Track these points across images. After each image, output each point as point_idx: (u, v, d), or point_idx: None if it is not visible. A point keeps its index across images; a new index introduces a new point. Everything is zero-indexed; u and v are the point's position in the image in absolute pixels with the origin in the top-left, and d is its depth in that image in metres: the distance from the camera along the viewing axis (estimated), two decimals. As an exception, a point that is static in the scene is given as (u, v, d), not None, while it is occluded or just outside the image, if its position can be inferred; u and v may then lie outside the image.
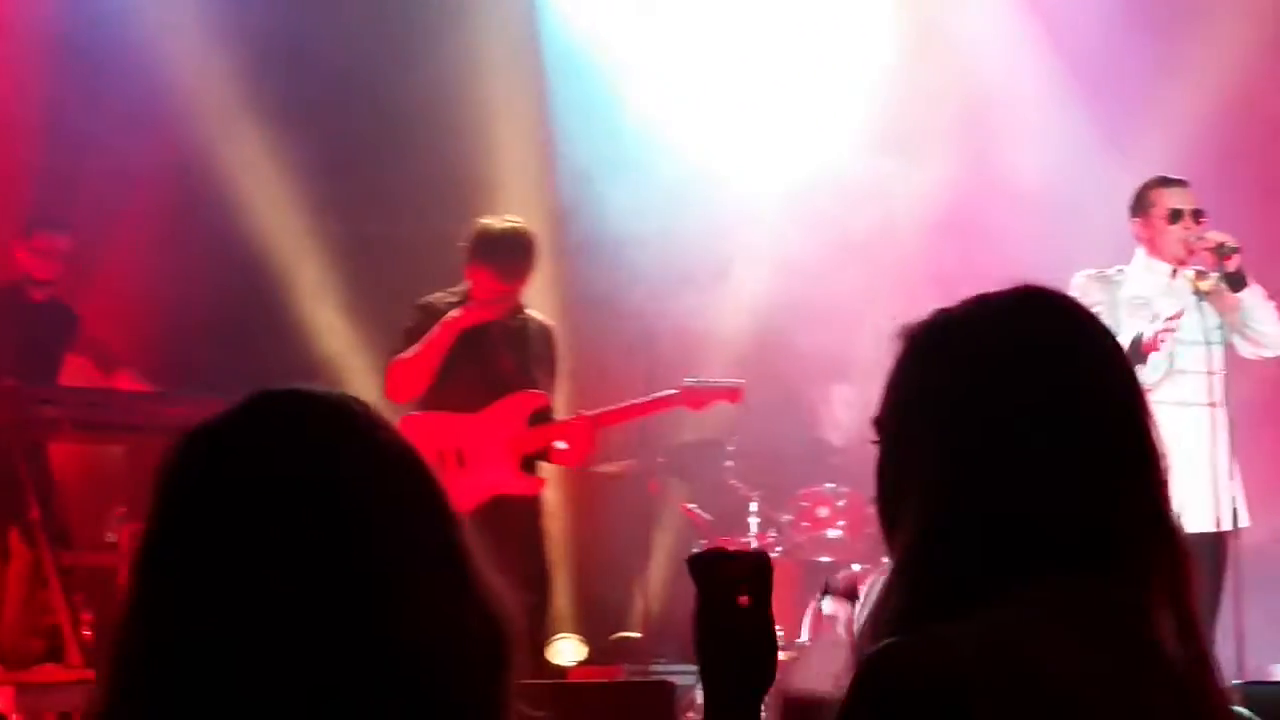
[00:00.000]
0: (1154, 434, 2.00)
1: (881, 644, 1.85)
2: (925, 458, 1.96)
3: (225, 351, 9.47)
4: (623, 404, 7.99)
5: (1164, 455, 2.00)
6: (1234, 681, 6.25)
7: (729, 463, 9.66)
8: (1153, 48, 10.16)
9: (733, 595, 2.14)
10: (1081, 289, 7.10)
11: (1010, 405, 1.93)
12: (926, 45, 10.56)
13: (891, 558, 1.97)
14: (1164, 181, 7.24)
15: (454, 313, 7.45)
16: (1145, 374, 6.95)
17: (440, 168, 10.40)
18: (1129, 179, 7.46)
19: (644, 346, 9.54)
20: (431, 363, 7.46)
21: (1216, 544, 6.94)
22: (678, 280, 10.04)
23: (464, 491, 7.49)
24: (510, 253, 7.50)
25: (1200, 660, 1.96)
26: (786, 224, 10.04)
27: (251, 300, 10.32)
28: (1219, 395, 7.04)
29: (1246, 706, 5.38)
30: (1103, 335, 2.07)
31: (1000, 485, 1.90)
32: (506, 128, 10.66)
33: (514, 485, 7.60)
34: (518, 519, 7.52)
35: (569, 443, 7.68)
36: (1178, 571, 1.96)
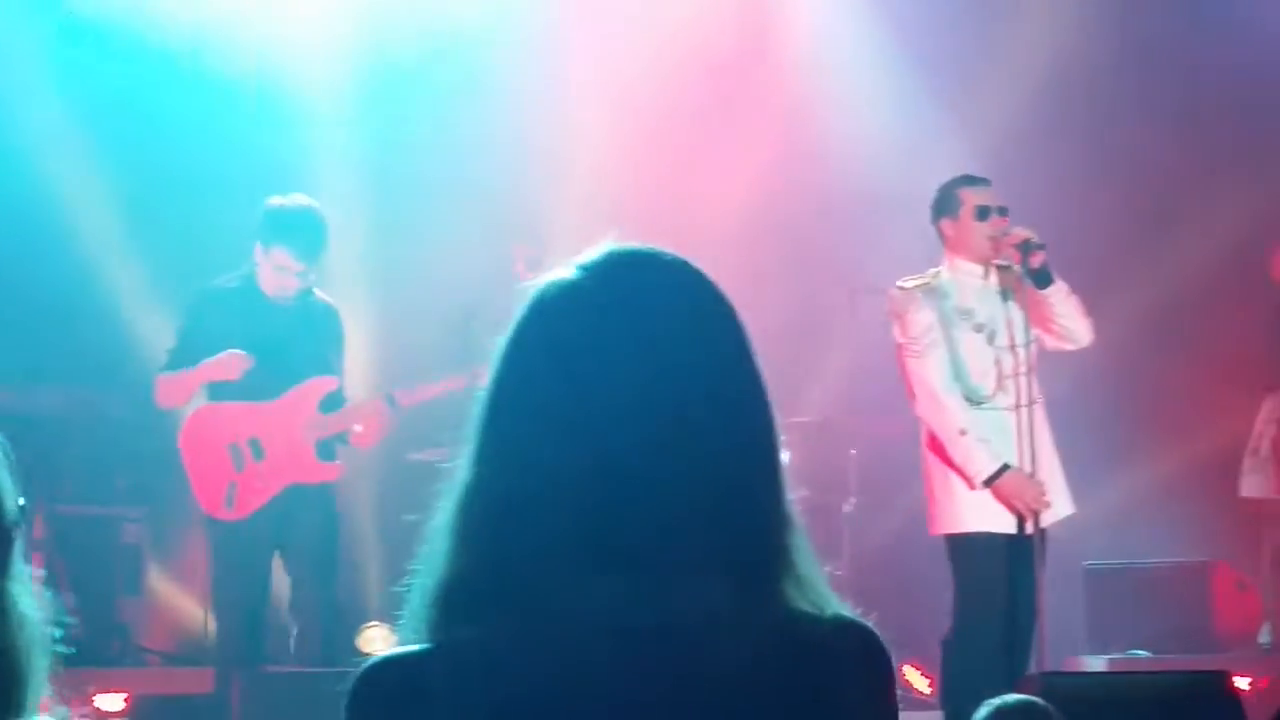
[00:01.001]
0: (749, 425, 1.81)
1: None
2: (481, 431, 1.81)
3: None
4: (420, 384, 7.91)
5: (764, 447, 1.81)
6: (1034, 672, 6.39)
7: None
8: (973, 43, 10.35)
9: None
10: (909, 300, 7.11)
11: (569, 387, 1.76)
12: (748, 46, 10.65)
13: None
14: (969, 180, 7.27)
15: (231, 361, 7.33)
16: (978, 387, 7.02)
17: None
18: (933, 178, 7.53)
19: (459, 326, 9.51)
20: (194, 387, 7.42)
21: (1041, 538, 7.06)
22: (490, 260, 10.02)
23: (264, 482, 7.42)
24: (309, 232, 7.41)
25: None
26: (596, 219, 10.05)
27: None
28: (1037, 392, 7.13)
29: (1046, 696, 5.50)
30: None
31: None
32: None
33: (311, 473, 7.54)
34: (313, 506, 7.49)
35: (364, 425, 7.64)
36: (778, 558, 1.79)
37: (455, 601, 1.75)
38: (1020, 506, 6.94)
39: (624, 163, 10.30)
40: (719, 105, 10.71)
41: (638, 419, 1.74)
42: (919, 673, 9.33)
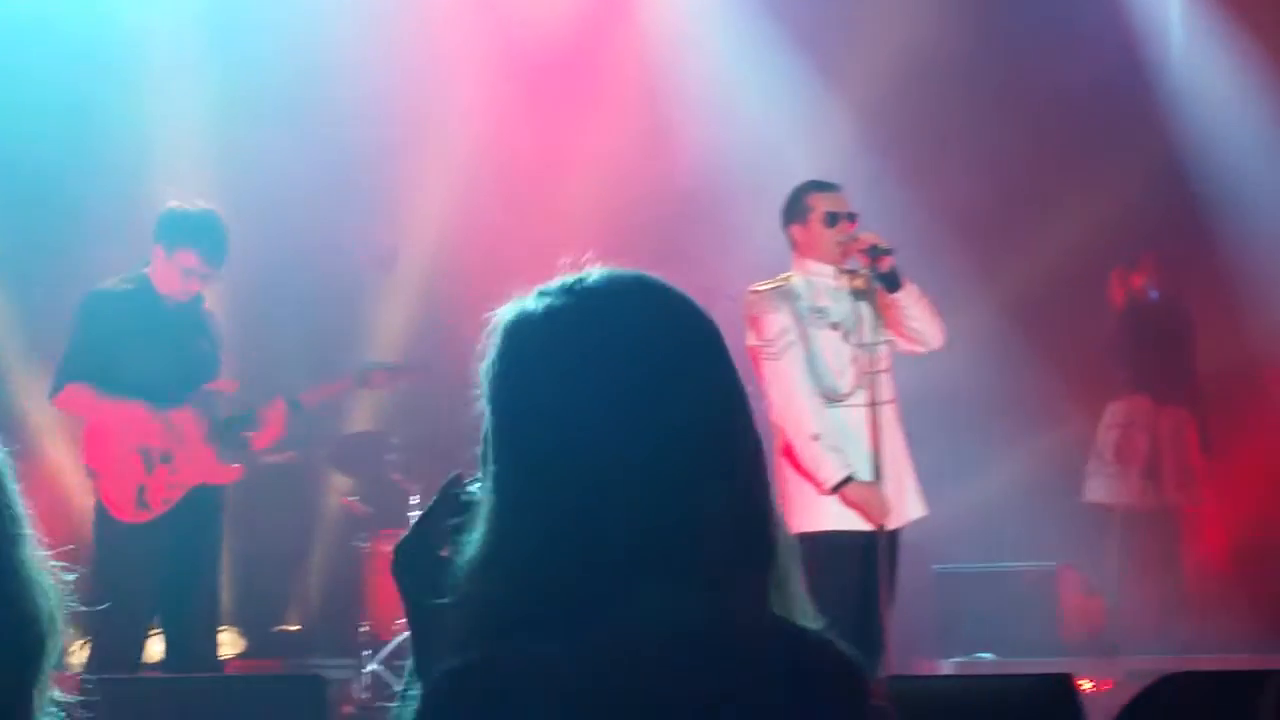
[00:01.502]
0: (748, 433, 1.89)
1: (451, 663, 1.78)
2: (501, 457, 1.84)
3: None
4: (320, 384, 8.04)
5: (759, 453, 1.90)
6: (881, 674, 6.41)
7: (391, 455, 9.62)
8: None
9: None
10: (764, 303, 7.13)
11: (590, 406, 1.80)
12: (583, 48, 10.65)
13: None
14: (818, 186, 7.30)
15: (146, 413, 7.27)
16: (837, 384, 7.06)
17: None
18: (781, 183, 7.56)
19: (315, 332, 9.48)
20: (101, 409, 7.36)
21: (893, 539, 7.11)
22: (346, 266, 9.96)
23: (172, 484, 7.38)
24: (215, 236, 7.42)
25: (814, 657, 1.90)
26: (454, 215, 10.02)
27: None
28: (890, 392, 7.19)
29: (891, 700, 5.52)
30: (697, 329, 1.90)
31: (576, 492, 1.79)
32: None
33: (215, 474, 7.55)
34: (210, 508, 7.53)
35: (264, 427, 7.66)
36: (775, 571, 1.89)
37: (505, 618, 1.77)
38: (863, 515, 6.98)
39: (481, 165, 10.26)
40: (578, 104, 10.70)
41: (653, 433, 1.79)
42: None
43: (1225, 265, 11.01)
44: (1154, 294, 10.72)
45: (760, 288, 7.21)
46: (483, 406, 1.88)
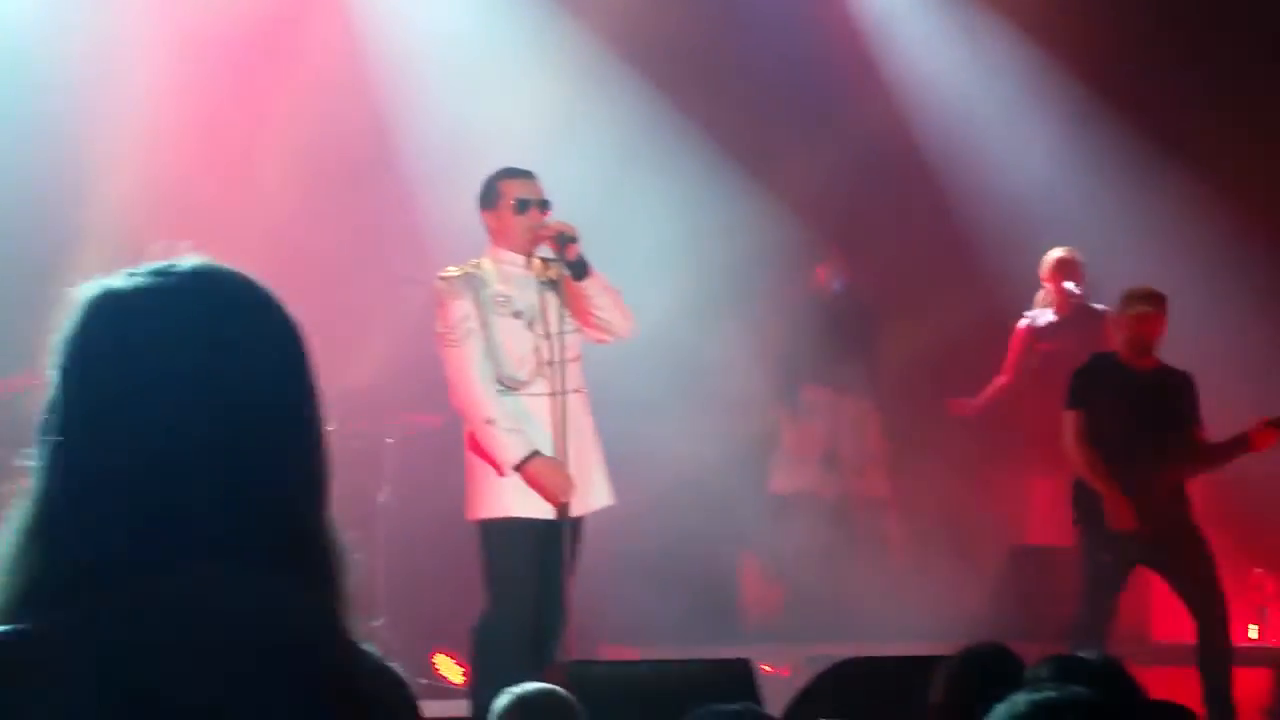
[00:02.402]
0: (308, 428, 1.92)
1: None
2: (66, 427, 1.85)
3: None
4: None
5: (318, 449, 1.92)
6: (562, 660, 6.44)
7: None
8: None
9: None
10: (448, 289, 7.13)
11: (155, 385, 1.84)
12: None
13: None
14: (511, 173, 7.32)
15: None
16: (516, 372, 7.07)
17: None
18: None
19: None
20: None
21: (577, 526, 7.14)
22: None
23: None
24: None
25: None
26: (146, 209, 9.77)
27: None
28: (578, 381, 7.22)
29: (572, 685, 5.53)
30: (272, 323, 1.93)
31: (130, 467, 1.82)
32: None
33: None
34: None
35: None
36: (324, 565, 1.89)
37: (46, 589, 1.78)
38: (547, 492, 7.01)
39: (178, 154, 10.00)
40: (276, 83, 10.49)
41: (201, 420, 1.83)
42: (452, 661, 9.34)
43: (926, 255, 11.26)
44: (838, 285, 10.94)
45: (447, 274, 7.22)
46: (52, 377, 1.88)
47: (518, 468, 6.99)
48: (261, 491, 1.84)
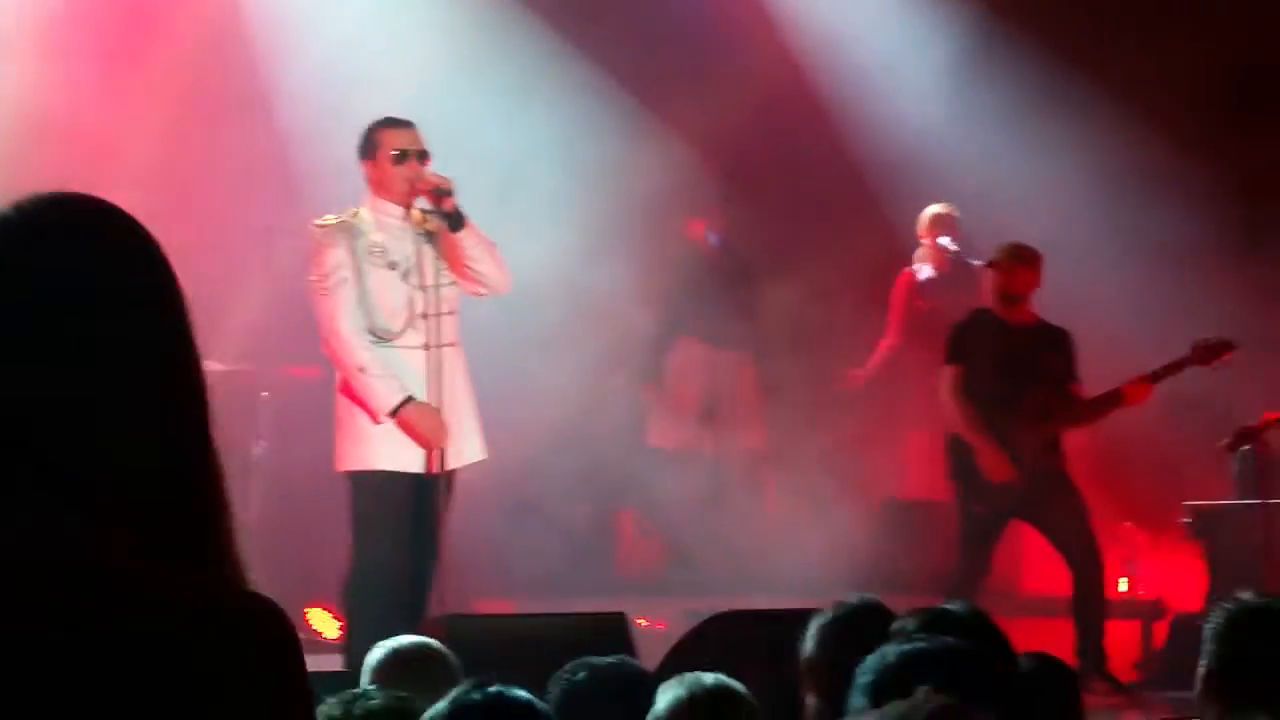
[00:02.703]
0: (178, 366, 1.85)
1: None
2: None
3: None
4: None
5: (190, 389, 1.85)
6: (438, 614, 6.43)
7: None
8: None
9: None
10: (322, 238, 7.10)
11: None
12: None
13: None
14: (390, 123, 7.28)
15: None
16: (389, 324, 7.03)
17: None
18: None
19: None
20: None
21: (449, 479, 7.12)
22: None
23: None
24: None
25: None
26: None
27: None
28: (453, 335, 7.19)
29: (448, 638, 5.51)
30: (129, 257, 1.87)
31: None
32: None
33: None
34: None
35: None
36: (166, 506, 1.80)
37: None
38: (422, 438, 6.99)
39: (53, 98, 9.82)
40: (151, 28, 10.32)
41: (64, 352, 1.76)
42: (328, 615, 9.28)
43: (812, 204, 11.26)
44: (714, 239, 10.95)
45: (322, 222, 7.19)
46: None
47: (392, 414, 6.97)
48: (102, 428, 1.76)
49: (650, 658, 5.94)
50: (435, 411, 7.01)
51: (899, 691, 2.58)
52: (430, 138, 7.31)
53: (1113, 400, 8.92)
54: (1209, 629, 3.61)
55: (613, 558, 10.73)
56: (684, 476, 10.64)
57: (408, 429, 6.99)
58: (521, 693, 3.06)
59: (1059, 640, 8.71)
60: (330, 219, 7.18)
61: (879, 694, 2.75)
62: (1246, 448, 8.92)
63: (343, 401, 7.12)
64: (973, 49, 11.05)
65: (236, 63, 10.28)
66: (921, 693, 2.10)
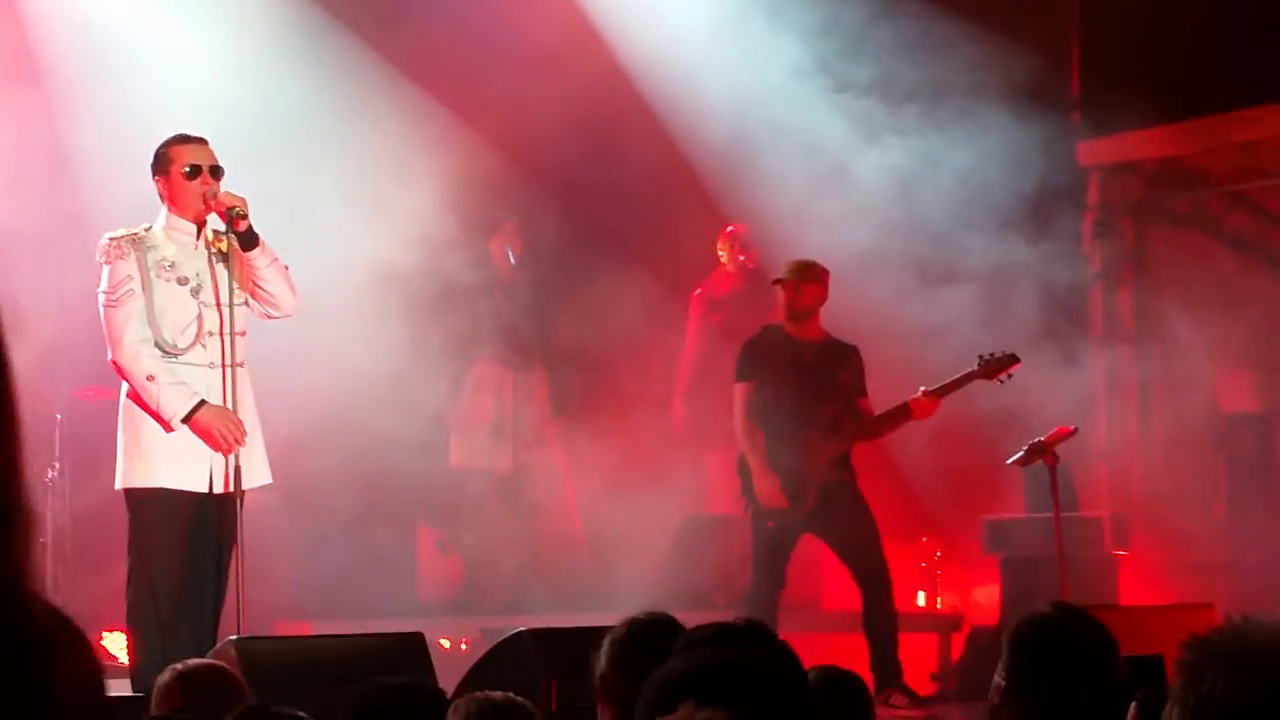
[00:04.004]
0: None
1: None
2: None
3: None
4: None
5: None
6: (232, 637, 6.34)
7: None
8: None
9: None
10: (112, 251, 7.02)
11: None
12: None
13: None
14: (182, 139, 7.23)
15: None
16: (176, 338, 6.95)
17: None
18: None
19: None
20: None
21: (238, 501, 7.02)
22: None
23: None
24: None
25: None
26: None
27: None
28: (242, 356, 7.12)
29: (241, 661, 5.44)
30: None
31: None
32: None
33: None
34: None
35: None
36: None
37: None
38: (219, 437, 6.90)
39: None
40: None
41: None
42: (123, 639, 9.13)
43: (616, 220, 11.24)
44: (513, 258, 10.93)
45: (113, 235, 7.12)
46: None
47: (186, 419, 6.88)
48: None
49: (452, 677, 5.93)
50: (230, 413, 6.93)
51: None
52: (223, 152, 7.24)
53: (901, 415, 9.06)
54: (1004, 641, 3.68)
55: (414, 578, 10.66)
56: (484, 495, 10.61)
57: (203, 434, 6.90)
58: (298, 713, 3.03)
59: (860, 654, 8.82)
60: (121, 232, 7.13)
61: (662, 708, 2.75)
62: (1038, 462, 9.08)
63: (129, 416, 7.01)
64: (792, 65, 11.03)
65: (27, 78, 10.09)
66: (686, 709, 2.10)
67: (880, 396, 9.20)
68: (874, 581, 9.02)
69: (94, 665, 1.79)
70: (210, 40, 10.24)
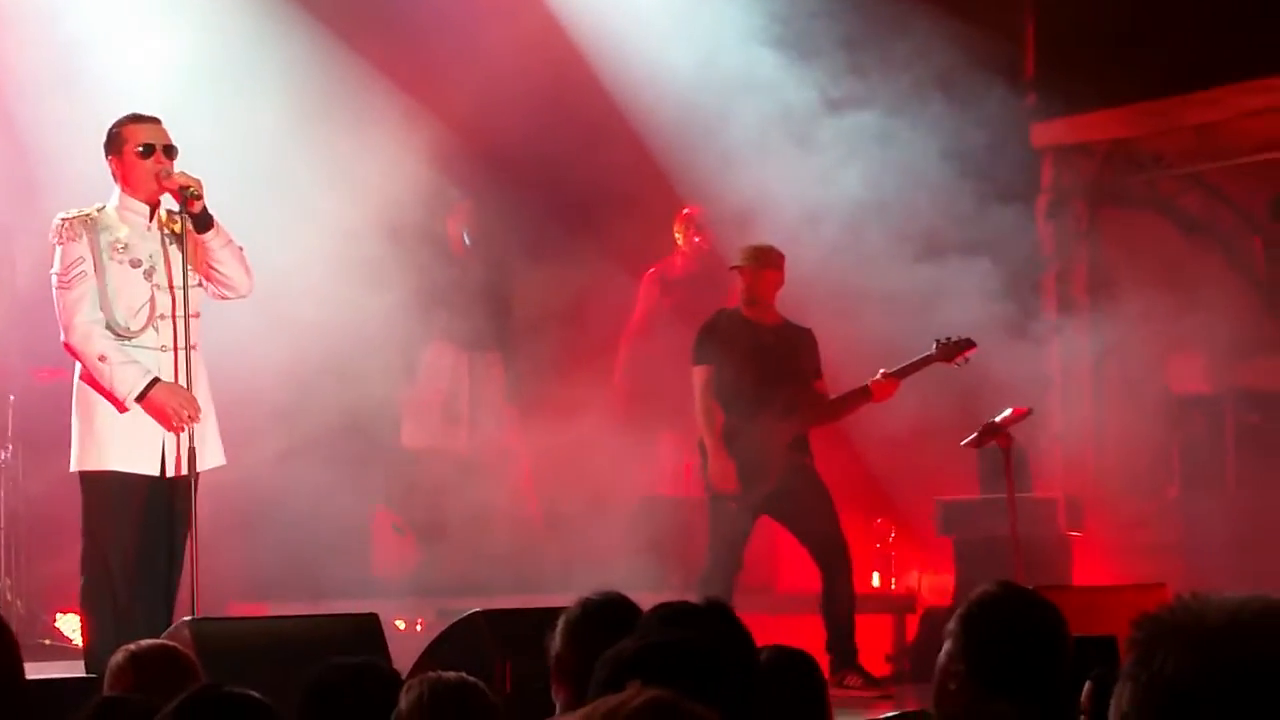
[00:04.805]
0: None
1: None
2: None
3: None
4: None
5: None
6: (186, 618, 6.33)
7: None
8: None
9: None
10: (65, 232, 6.99)
11: None
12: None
13: None
14: (136, 118, 7.20)
15: None
16: (129, 320, 6.93)
17: None
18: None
19: None
20: None
21: (192, 484, 7.00)
22: None
23: None
24: None
25: None
26: None
27: None
28: (196, 338, 7.09)
29: (195, 642, 5.43)
30: None
31: None
32: None
33: None
34: None
35: None
36: None
37: None
38: (172, 414, 6.87)
39: None
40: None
41: None
42: (77, 620, 9.10)
43: (571, 199, 11.20)
44: (468, 239, 10.90)
45: (65, 215, 7.08)
46: None
47: (140, 398, 6.86)
48: None
49: (407, 658, 5.93)
50: (183, 390, 6.91)
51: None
52: (177, 134, 7.21)
53: (860, 396, 9.09)
54: (954, 621, 3.69)
55: (369, 558, 10.65)
56: (438, 476, 10.59)
57: (157, 412, 6.88)
58: (250, 692, 3.03)
59: (816, 636, 8.85)
60: (73, 213, 7.08)
61: (614, 688, 2.75)
62: (992, 444, 9.12)
63: (82, 398, 6.99)
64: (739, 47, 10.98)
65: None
66: (632, 687, 2.10)
67: (835, 377, 9.23)
68: (834, 563, 9.05)
69: (9, 646, 1.78)
70: (167, 17, 10.18)
